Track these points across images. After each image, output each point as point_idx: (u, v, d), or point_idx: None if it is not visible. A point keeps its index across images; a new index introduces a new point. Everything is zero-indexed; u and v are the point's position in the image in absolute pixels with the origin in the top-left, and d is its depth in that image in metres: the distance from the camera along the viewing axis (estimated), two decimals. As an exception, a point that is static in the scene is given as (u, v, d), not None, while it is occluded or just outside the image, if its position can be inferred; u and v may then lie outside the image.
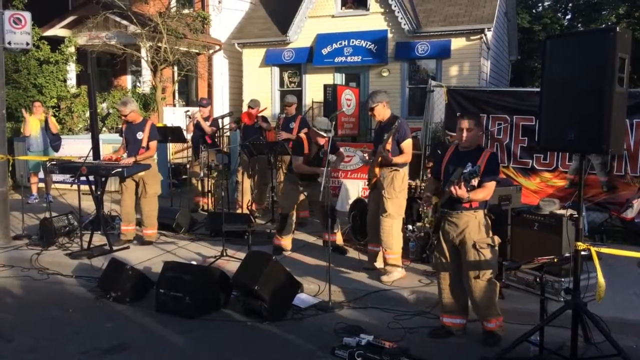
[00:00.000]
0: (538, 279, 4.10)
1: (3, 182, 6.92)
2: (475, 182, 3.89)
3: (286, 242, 6.36)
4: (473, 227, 4.01)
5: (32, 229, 7.35)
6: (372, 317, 4.66)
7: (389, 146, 5.22)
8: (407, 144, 5.26)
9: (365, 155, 6.27)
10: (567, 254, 4.36)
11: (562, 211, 4.99)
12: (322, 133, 5.88)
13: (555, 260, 4.22)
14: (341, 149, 6.64)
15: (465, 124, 4.04)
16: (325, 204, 5.49)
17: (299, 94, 15.23)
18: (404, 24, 14.42)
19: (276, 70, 16.29)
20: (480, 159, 3.98)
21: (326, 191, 5.26)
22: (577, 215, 3.66)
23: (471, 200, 3.91)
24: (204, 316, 4.64)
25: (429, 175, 7.00)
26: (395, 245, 5.27)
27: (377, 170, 5.35)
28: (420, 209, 6.36)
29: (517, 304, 4.69)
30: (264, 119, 8.54)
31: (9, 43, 6.59)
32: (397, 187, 5.26)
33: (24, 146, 9.95)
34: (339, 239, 6.38)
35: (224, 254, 6.02)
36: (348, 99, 11.08)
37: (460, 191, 3.79)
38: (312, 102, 14.66)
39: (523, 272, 4.85)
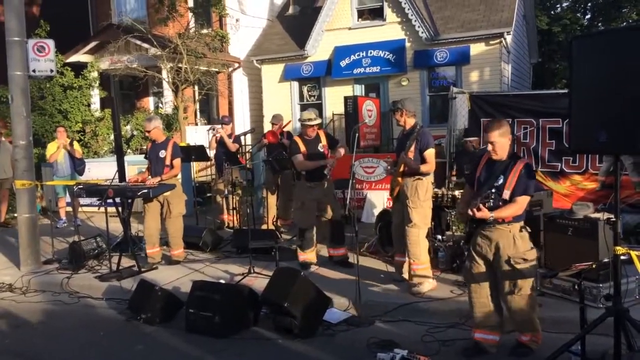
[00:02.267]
0: (576, 286, 3.95)
1: (32, 207, 7.02)
2: (506, 195, 3.74)
3: (310, 256, 6.30)
4: (507, 241, 3.82)
5: (61, 253, 7.43)
6: (405, 331, 4.57)
7: (411, 154, 5.15)
8: (430, 153, 5.18)
9: (388, 165, 6.21)
10: (605, 259, 4.21)
11: (596, 215, 4.83)
12: (306, 122, 6.05)
13: (594, 266, 4.08)
14: (344, 147, 6.64)
15: (491, 136, 3.83)
16: (350, 214, 5.44)
17: (319, 107, 15.23)
18: (422, 32, 14.36)
19: (295, 84, 16.35)
20: (512, 171, 3.80)
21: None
22: (614, 219, 3.53)
23: (497, 218, 3.75)
24: (235, 335, 4.61)
25: (454, 179, 6.90)
26: (423, 256, 5.17)
27: (399, 179, 5.28)
28: (449, 218, 6.26)
29: (553, 311, 4.55)
30: (289, 135, 8.53)
31: (34, 71, 6.72)
32: (422, 196, 5.18)
33: (51, 171, 10.11)
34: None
35: (252, 271, 5.99)
36: (369, 109, 11.04)
37: (480, 213, 3.65)
38: (333, 114, 14.64)
39: (559, 278, 4.71)
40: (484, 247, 3.91)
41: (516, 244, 3.82)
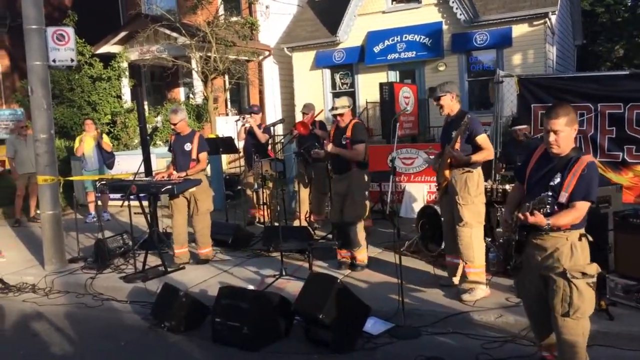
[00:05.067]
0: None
1: (56, 204, 6.73)
2: (563, 197, 3.08)
3: (346, 254, 5.80)
4: (564, 251, 3.14)
5: (88, 250, 7.16)
6: (456, 345, 4.05)
7: (457, 145, 4.60)
8: (484, 139, 4.62)
9: (431, 156, 5.66)
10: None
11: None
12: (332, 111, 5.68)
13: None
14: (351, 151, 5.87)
15: (555, 124, 3.10)
16: (391, 210, 4.94)
17: (351, 95, 14.69)
18: (460, 14, 13.64)
19: (327, 72, 15.84)
20: (573, 169, 3.08)
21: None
22: None
23: (552, 226, 3.08)
24: (265, 348, 4.17)
25: (503, 172, 6.28)
26: (478, 258, 4.63)
27: (447, 172, 4.73)
28: (499, 214, 5.67)
29: (628, 325, 3.96)
30: (321, 125, 8.04)
31: (54, 60, 6.40)
32: (473, 191, 4.63)
33: (80, 165, 9.90)
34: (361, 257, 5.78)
35: (283, 274, 5.55)
36: (406, 96, 10.45)
37: (534, 219, 3.00)
38: (367, 102, 14.08)
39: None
40: (536, 256, 3.25)
41: (574, 255, 3.14)
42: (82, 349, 4.56)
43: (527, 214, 3.01)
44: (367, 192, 5.67)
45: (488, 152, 4.62)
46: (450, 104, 4.76)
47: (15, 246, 8.02)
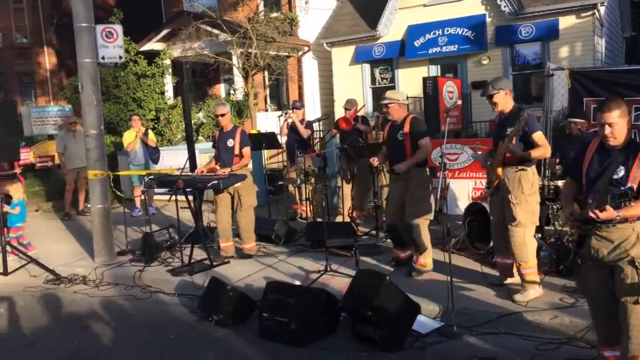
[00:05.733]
0: None
1: (105, 198, 6.89)
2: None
3: (400, 254, 5.68)
4: (632, 240, 3.10)
5: (135, 243, 7.31)
6: (509, 346, 3.94)
7: (513, 142, 4.46)
8: (540, 136, 4.47)
9: (478, 152, 5.52)
10: None
11: None
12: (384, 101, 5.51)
13: None
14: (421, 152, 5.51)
15: (609, 117, 3.08)
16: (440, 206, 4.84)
17: (392, 89, 14.52)
18: (504, 6, 13.29)
19: (367, 67, 15.70)
20: (636, 160, 3.05)
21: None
22: None
23: (621, 218, 3.01)
24: (313, 344, 4.16)
25: (558, 168, 6.08)
26: (531, 259, 4.49)
27: (499, 170, 4.60)
28: (550, 211, 5.51)
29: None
30: (364, 120, 7.98)
31: (103, 57, 6.54)
32: (527, 190, 4.49)
33: (127, 160, 10.11)
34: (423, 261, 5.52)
35: (328, 269, 5.53)
36: (450, 91, 10.26)
37: (605, 214, 2.93)
38: (407, 97, 13.88)
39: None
40: (600, 249, 3.18)
41: None
42: (132, 341, 4.65)
43: (597, 211, 2.92)
44: (429, 190, 5.45)
45: (545, 149, 4.47)
46: (504, 100, 4.63)
47: (65, 239, 8.26)
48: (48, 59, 21.35)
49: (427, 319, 4.33)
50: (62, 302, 5.69)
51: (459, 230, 6.26)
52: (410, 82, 14.38)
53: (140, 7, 17.19)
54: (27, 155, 11.58)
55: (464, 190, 7.61)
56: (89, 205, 8.10)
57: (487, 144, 6.14)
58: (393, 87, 14.83)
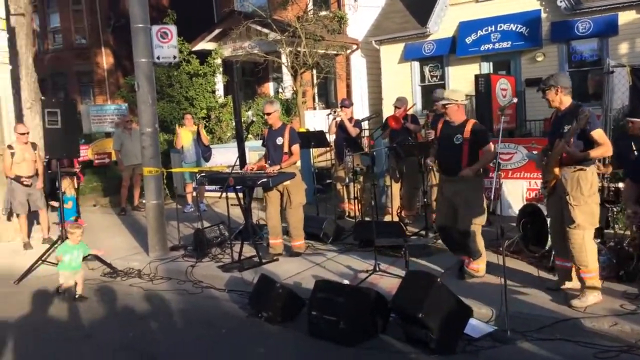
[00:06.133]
0: None
1: (159, 194, 7.08)
2: None
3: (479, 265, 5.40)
4: None
5: (187, 239, 7.48)
6: (565, 353, 3.81)
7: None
8: (600, 134, 4.29)
9: (533, 151, 5.35)
10: None
11: None
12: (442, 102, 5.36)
13: None
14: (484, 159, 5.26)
15: None
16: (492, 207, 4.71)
17: (441, 88, 14.29)
18: (560, 1, 12.86)
19: (416, 64, 15.51)
20: None
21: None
22: None
23: None
24: (361, 344, 4.14)
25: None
26: (592, 262, 4.32)
27: (556, 170, 4.45)
28: (610, 214, 5.30)
29: None
30: (414, 119, 7.89)
31: (158, 57, 6.71)
32: (586, 191, 4.32)
33: (179, 157, 10.37)
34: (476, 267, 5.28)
35: (377, 269, 5.50)
36: (503, 88, 10.00)
37: None
38: (465, 96, 13.65)
39: None
40: None
41: None
42: (185, 335, 4.76)
43: None
44: (482, 193, 5.28)
45: (605, 147, 4.29)
46: (556, 97, 4.47)
47: (121, 233, 8.55)
48: (105, 59, 22.12)
49: (479, 323, 4.24)
50: (118, 295, 5.89)
51: (513, 232, 6.10)
52: (460, 79, 14.12)
53: (192, 8, 17.57)
54: (85, 152, 12.04)
55: (518, 191, 7.41)
56: (143, 201, 8.36)
57: (542, 143, 5.95)
58: (443, 85, 14.60)
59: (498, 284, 4.34)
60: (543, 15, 13.40)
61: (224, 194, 6.42)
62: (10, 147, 7.70)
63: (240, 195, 6.73)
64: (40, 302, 5.81)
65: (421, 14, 15.06)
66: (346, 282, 5.07)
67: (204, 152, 9.88)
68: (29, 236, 8.06)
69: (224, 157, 10.13)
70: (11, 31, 8.34)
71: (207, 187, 9.64)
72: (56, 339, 4.83)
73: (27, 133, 7.84)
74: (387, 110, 13.57)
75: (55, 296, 5.87)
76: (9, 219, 8.12)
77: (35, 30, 20.33)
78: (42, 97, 8.96)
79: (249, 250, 6.54)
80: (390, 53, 15.67)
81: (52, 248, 7.01)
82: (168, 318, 5.21)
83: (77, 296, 5.77)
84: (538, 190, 6.99)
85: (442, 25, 14.69)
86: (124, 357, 4.43)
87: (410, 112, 8.13)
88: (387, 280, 5.29)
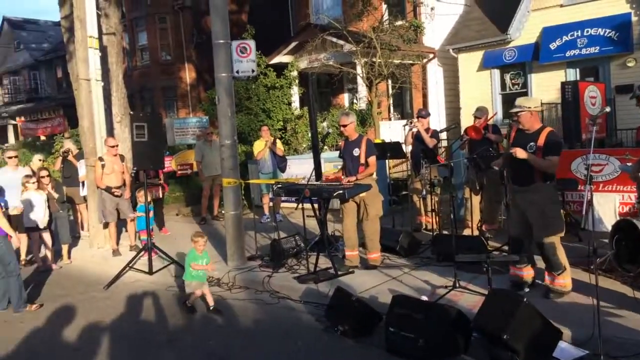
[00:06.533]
0: None
1: (237, 205, 7.24)
2: None
3: (525, 272, 5.26)
4: None
5: (264, 249, 7.59)
6: (669, 385, 3.49)
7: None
8: None
9: (628, 163, 4.99)
10: None
11: None
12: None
13: None
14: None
15: None
16: (583, 223, 4.41)
17: (524, 96, 13.74)
18: (654, 3, 12.04)
19: (496, 72, 15.02)
20: None
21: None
22: None
23: None
24: (443, 363, 4.01)
25: None
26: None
27: (654, 183, 4.11)
28: None
29: None
30: (495, 129, 7.61)
31: (237, 72, 6.90)
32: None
33: (256, 169, 10.59)
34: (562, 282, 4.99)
35: (457, 285, 5.31)
36: (592, 96, 9.44)
37: None
38: (541, 103, 13.05)
39: None
40: None
41: None
42: (262, 346, 4.80)
43: None
44: (559, 205, 5.04)
45: None
46: None
47: (201, 242, 8.80)
48: (188, 74, 23.14)
49: (569, 346, 3.96)
50: (199, 302, 6.04)
51: (604, 249, 5.70)
52: (544, 87, 13.54)
53: (270, 23, 18.03)
54: (169, 164, 12.58)
55: (610, 205, 6.93)
56: (222, 211, 8.59)
57: (638, 154, 5.55)
58: (525, 93, 14.04)
59: (588, 304, 4.07)
60: (634, 18, 12.60)
61: (300, 205, 6.45)
62: (101, 159, 8.17)
63: (316, 206, 6.75)
64: (128, 307, 6.09)
65: (501, 20, 14.59)
66: (424, 297, 4.93)
67: (280, 163, 10.03)
68: (117, 243, 8.49)
69: (299, 168, 10.25)
70: (103, 50, 8.87)
71: (283, 198, 9.78)
72: (142, 343, 5.03)
73: (117, 145, 8.29)
74: (466, 121, 13.21)
75: (184, 310, 5.73)
76: (105, 227, 8.59)
77: (125, 48, 21.60)
78: (131, 112, 9.44)
79: (324, 262, 6.53)
80: (469, 61, 15.29)
81: (138, 255, 7.36)
82: (246, 327, 5.29)
83: (210, 308, 5.66)
84: (632, 204, 6.51)
85: (524, 31, 14.17)
86: (204, 365, 4.54)
87: (490, 122, 7.86)
88: (468, 297, 5.10)
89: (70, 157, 9.73)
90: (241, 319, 5.49)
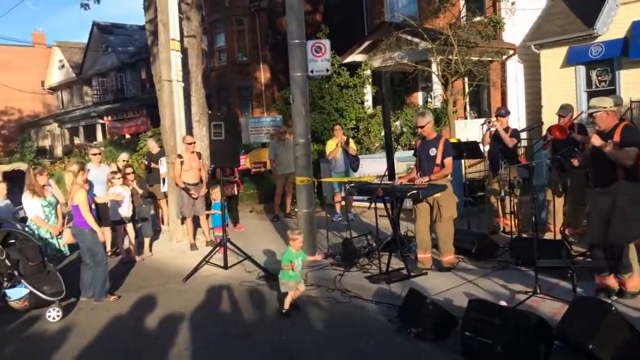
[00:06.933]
0: None
1: (310, 203, 7.29)
2: None
3: (610, 281, 4.96)
4: None
5: (335, 248, 7.61)
6: None
7: None
8: None
9: None
10: None
11: None
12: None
13: None
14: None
15: None
16: None
17: (611, 94, 12.94)
18: None
19: (581, 69, 14.23)
20: None
21: None
22: None
23: None
24: (521, 371, 3.83)
25: None
26: None
27: None
28: None
29: None
30: (581, 128, 7.20)
31: (312, 71, 6.94)
32: None
33: (328, 167, 10.63)
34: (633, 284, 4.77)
35: (537, 291, 5.07)
36: (690, 93, 8.74)
37: None
38: (630, 101, 12.25)
39: None
40: None
41: None
42: (334, 344, 4.81)
43: None
44: None
45: None
46: None
47: (274, 239, 8.96)
48: (263, 75, 23.63)
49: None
50: (272, 298, 6.14)
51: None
52: (633, 84, 12.70)
53: (343, 22, 18.05)
54: (243, 162, 12.89)
55: None
56: (295, 209, 8.70)
57: None
58: (613, 91, 13.22)
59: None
60: None
61: (372, 205, 6.39)
62: (179, 156, 8.49)
63: (389, 206, 6.67)
64: (204, 299, 6.29)
65: (587, 15, 13.81)
66: (503, 303, 4.74)
67: (352, 162, 10.01)
68: (194, 238, 8.79)
69: (371, 167, 10.18)
70: (184, 52, 9.21)
71: (355, 197, 9.75)
72: (218, 334, 5.18)
73: (194, 143, 8.58)
74: (547, 120, 12.62)
75: (281, 316, 5.53)
76: (182, 222, 8.94)
77: (204, 50, 22.38)
78: (209, 111, 9.75)
79: (396, 262, 6.45)
80: (552, 57, 14.58)
81: (214, 250, 7.59)
82: (318, 325, 5.31)
83: (282, 311, 5.51)
84: None
85: (612, 25, 13.33)
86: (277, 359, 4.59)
87: (576, 121, 7.45)
88: (549, 304, 4.86)
89: (152, 165, 10.20)
90: (313, 316, 5.52)
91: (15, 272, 5.79)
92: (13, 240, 6.01)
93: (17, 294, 5.79)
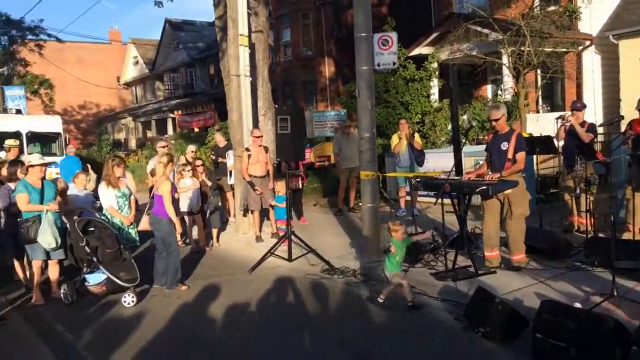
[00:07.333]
0: None
1: (374, 198, 7.24)
2: None
3: None
4: None
5: (396, 243, 7.51)
6: None
7: None
8: None
9: None
10: None
11: None
12: None
13: None
14: None
15: None
16: None
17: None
18: None
19: (665, 60, 13.33)
20: None
21: None
22: None
23: None
24: (596, 378, 3.65)
25: None
26: None
27: None
28: None
29: None
30: (665, 123, 6.77)
31: (378, 64, 6.88)
32: None
33: (393, 162, 10.53)
34: None
35: (614, 294, 4.81)
36: None
37: None
38: None
39: None
40: None
41: None
42: (397, 339, 4.77)
43: None
44: None
45: None
46: None
47: (338, 233, 9.00)
48: (328, 69, 23.67)
49: None
50: (335, 292, 6.17)
51: None
52: None
53: (410, 14, 17.74)
54: (308, 155, 12.99)
55: None
56: (359, 203, 8.67)
57: None
58: (702, 82, 12.31)
59: None
60: None
61: (438, 200, 6.26)
62: (247, 149, 8.65)
63: (456, 201, 6.52)
64: (269, 290, 6.40)
65: (673, 1, 12.94)
66: (577, 305, 4.53)
67: (417, 157, 9.86)
68: (260, 230, 8.95)
69: (437, 162, 10.00)
70: (251, 47, 9.37)
71: (420, 192, 9.60)
72: (282, 325, 5.27)
73: (261, 136, 8.72)
74: (626, 114, 11.91)
75: (381, 308, 5.47)
76: (244, 214, 9.13)
77: (270, 45, 22.68)
78: (275, 105, 9.88)
79: (462, 260, 6.31)
80: (632, 48, 13.74)
81: (279, 243, 7.70)
82: (380, 319, 5.28)
83: (409, 304, 5.36)
84: None
85: (703, 11, 12.41)
86: (339, 353, 4.60)
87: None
88: (628, 307, 4.61)
89: (219, 160, 10.46)
90: (376, 311, 5.48)
91: (94, 259, 6.12)
92: (92, 229, 6.35)
93: (95, 279, 6.11)
